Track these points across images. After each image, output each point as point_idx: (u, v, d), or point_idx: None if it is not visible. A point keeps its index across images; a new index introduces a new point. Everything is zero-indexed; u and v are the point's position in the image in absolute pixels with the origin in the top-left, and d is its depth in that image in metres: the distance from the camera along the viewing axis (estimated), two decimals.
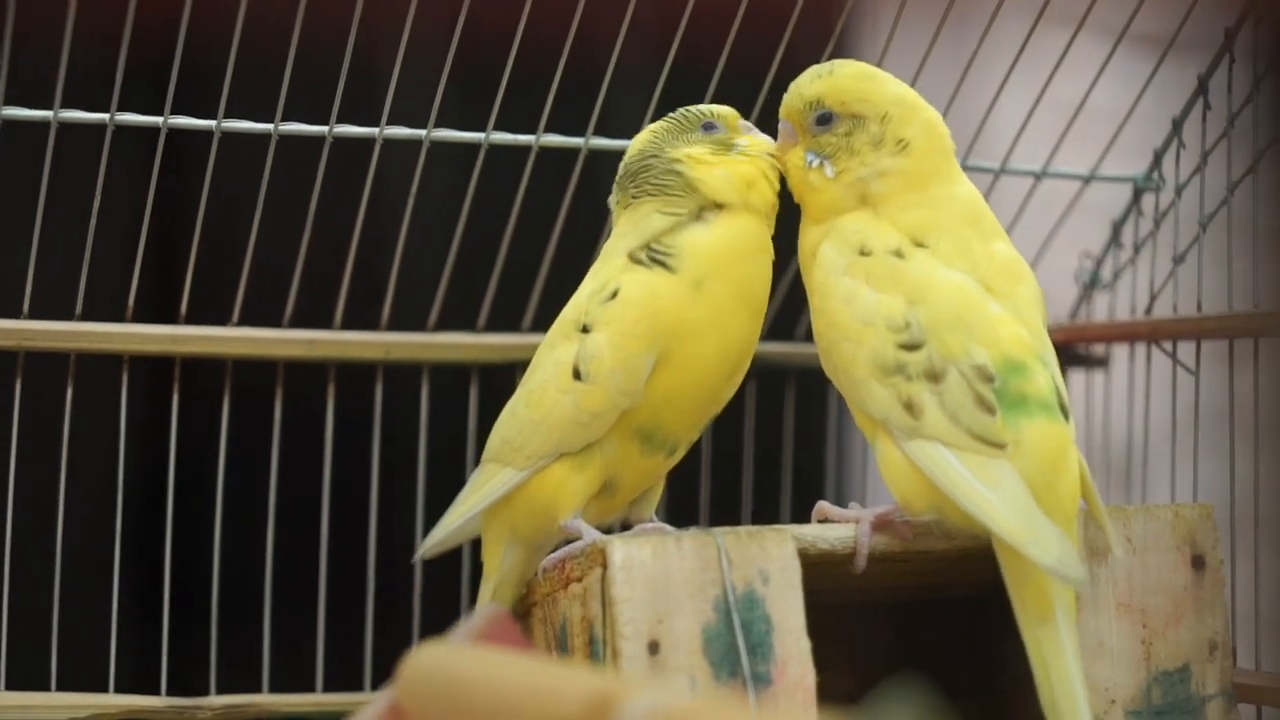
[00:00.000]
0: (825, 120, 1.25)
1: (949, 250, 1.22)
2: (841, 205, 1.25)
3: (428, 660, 1.09)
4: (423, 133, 1.40)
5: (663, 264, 1.26)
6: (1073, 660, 1.16)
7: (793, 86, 1.26)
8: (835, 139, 1.25)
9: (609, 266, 1.29)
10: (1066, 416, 1.20)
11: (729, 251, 1.27)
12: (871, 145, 1.24)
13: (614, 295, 1.26)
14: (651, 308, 1.25)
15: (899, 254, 1.22)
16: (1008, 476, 1.17)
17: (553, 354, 1.29)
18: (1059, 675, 1.16)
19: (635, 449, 1.27)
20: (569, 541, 1.25)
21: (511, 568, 1.31)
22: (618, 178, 1.32)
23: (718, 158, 1.29)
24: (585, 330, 1.27)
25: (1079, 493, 1.20)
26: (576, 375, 1.26)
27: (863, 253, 1.22)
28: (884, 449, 1.21)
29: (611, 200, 1.33)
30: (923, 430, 1.18)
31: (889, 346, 1.20)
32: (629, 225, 1.30)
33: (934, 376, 1.19)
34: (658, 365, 1.25)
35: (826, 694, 1.18)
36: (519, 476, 1.28)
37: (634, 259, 1.27)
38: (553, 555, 1.25)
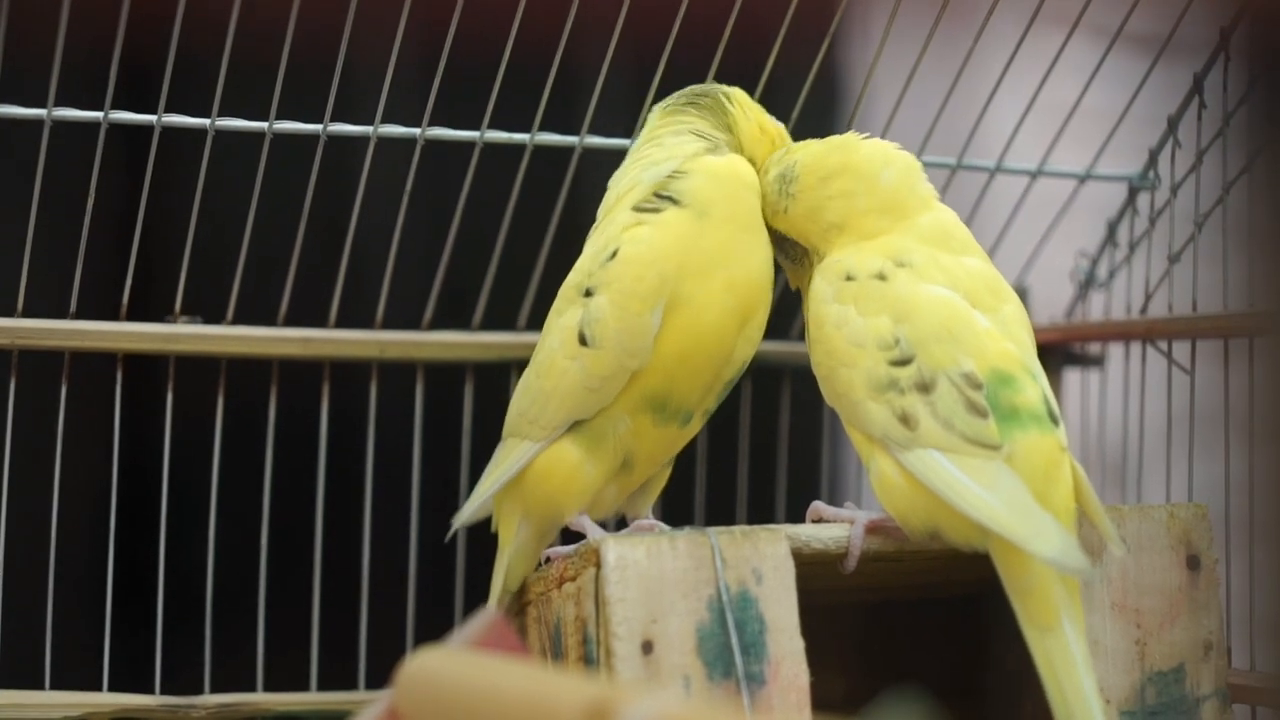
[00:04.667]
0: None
1: (927, 267, 1.23)
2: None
3: (425, 666, 1.09)
4: (416, 131, 1.40)
5: (671, 199, 1.27)
6: (1084, 670, 1.16)
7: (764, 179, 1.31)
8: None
9: (612, 223, 1.29)
10: (1057, 424, 1.21)
11: (733, 179, 1.29)
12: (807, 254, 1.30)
13: (614, 255, 1.26)
14: (652, 261, 1.25)
15: (882, 276, 1.23)
16: (1005, 477, 1.17)
17: (559, 321, 1.29)
18: (1071, 686, 1.16)
19: (648, 420, 1.27)
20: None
21: (525, 542, 1.31)
22: (670, 99, 1.35)
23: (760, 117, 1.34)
24: (589, 294, 1.27)
25: (1074, 501, 1.20)
26: (583, 340, 1.26)
27: (848, 278, 1.24)
28: (880, 468, 1.21)
29: (654, 115, 1.35)
30: (919, 440, 1.19)
31: (880, 365, 1.21)
32: (662, 134, 1.32)
33: (924, 388, 1.20)
34: (665, 320, 1.25)
35: (820, 694, 1.18)
36: (536, 448, 1.28)
37: (640, 209, 1.27)
38: (559, 549, 1.25)
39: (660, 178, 1.28)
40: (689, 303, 1.25)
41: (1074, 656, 1.16)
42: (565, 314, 1.29)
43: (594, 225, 1.33)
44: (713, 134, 1.31)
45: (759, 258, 1.28)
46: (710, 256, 1.26)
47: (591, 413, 1.27)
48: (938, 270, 1.24)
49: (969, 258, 1.26)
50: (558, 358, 1.28)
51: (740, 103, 1.33)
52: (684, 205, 1.27)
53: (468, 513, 1.33)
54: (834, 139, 1.31)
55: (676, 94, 1.35)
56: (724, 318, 1.26)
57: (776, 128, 1.34)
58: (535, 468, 1.28)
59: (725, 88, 1.34)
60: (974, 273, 1.25)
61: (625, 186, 1.30)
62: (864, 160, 1.28)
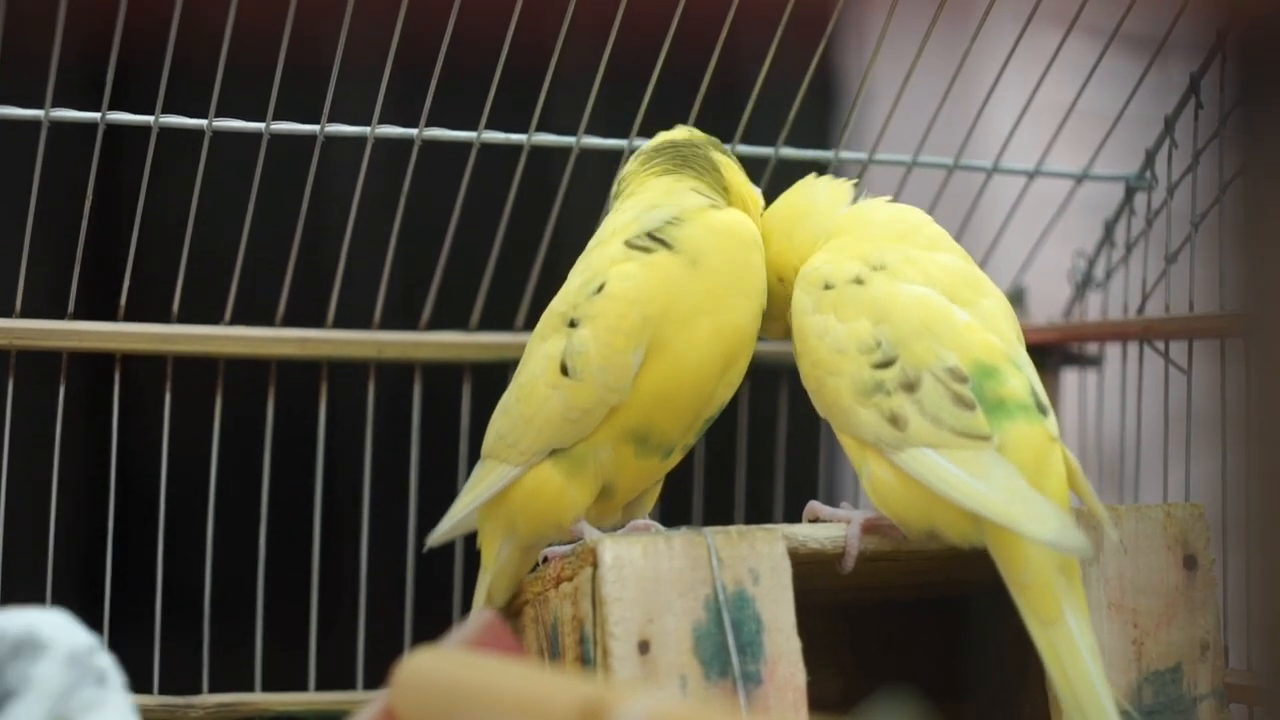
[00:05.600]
0: None
1: (902, 266, 1.24)
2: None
3: (422, 666, 1.09)
4: (414, 132, 1.40)
5: (664, 243, 1.26)
6: (1090, 659, 1.16)
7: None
8: None
9: (601, 255, 1.28)
10: (1045, 414, 1.21)
11: (731, 233, 1.28)
12: None
13: (600, 289, 1.26)
14: (637, 300, 1.25)
15: (859, 280, 1.24)
16: (997, 465, 1.18)
17: (542, 347, 1.29)
18: (1078, 676, 1.15)
19: (629, 452, 1.27)
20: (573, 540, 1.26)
21: (507, 561, 1.31)
22: (652, 149, 1.32)
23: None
24: (573, 325, 1.27)
25: (1067, 488, 1.20)
26: (564, 371, 1.26)
27: (827, 287, 1.24)
28: (873, 471, 1.21)
29: (633, 167, 1.32)
30: (910, 440, 1.19)
31: (864, 369, 1.21)
32: (659, 191, 1.29)
33: (910, 386, 1.20)
34: (647, 359, 1.25)
35: (817, 693, 1.19)
36: (515, 472, 1.29)
37: (632, 245, 1.27)
38: (558, 548, 1.25)
39: (659, 222, 1.28)
40: (671, 346, 1.25)
41: (1079, 647, 1.16)
42: (549, 341, 1.29)
43: (583, 253, 1.32)
44: (712, 195, 1.30)
45: (747, 308, 1.28)
46: (697, 303, 1.25)
47: (570, 442, 1.27)
48: (913, 269, 1.24)
49: (944, 254, 1.26)
50: (539, 385, 1.28)
51: (728, 167, 1.32)
52: (676, 250, 1.26)
53: (442, 531, 1.34)
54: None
55: (658, 147, 1.32)
56: (706, 363, 1.26)
57: (754, 193, 1.34)
58: (522, 489, 1.28)
59: (710, 147, 1.32)
60: (950, 269, 1.25)
61: (622, 223, 1.30)
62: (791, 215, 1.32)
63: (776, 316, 1.31)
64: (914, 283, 1.23)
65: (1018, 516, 1.16)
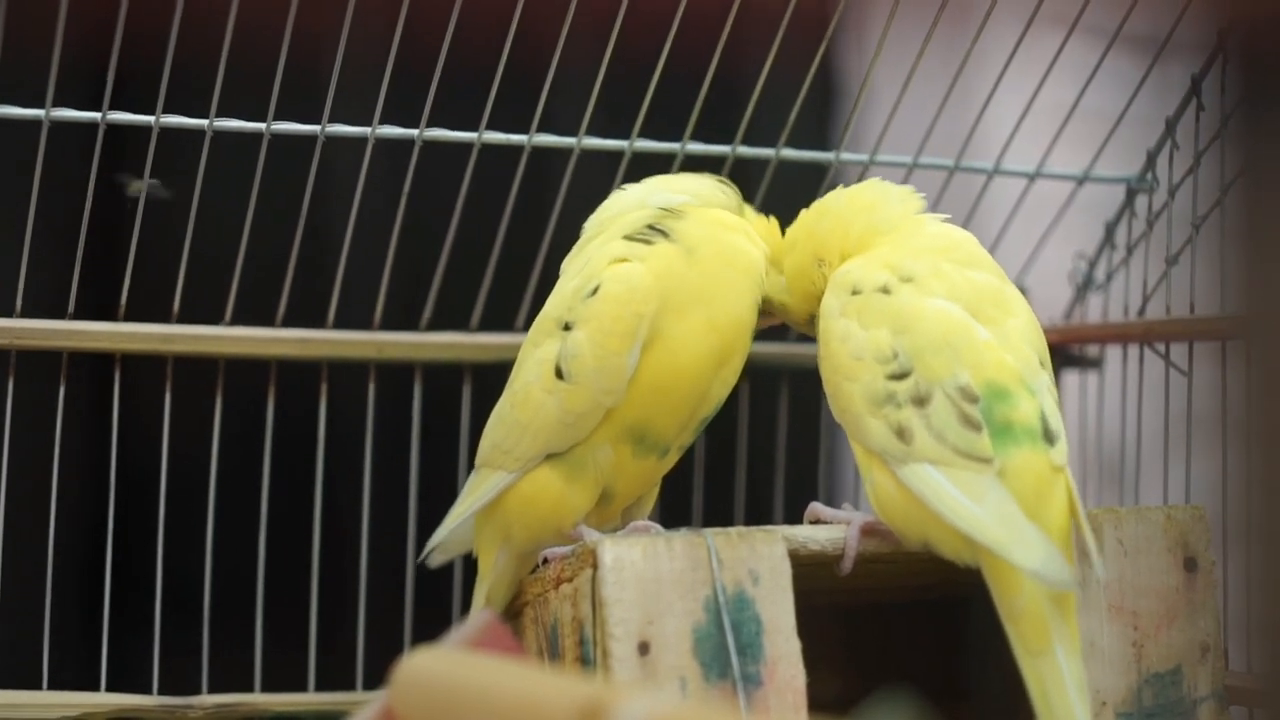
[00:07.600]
0: None
1: (929, 279, 1.23)
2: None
3: (421, 666, 1.09)
4: (415, 133, 1.40)
5: (664, 233, 1.27)
6: (1076, 696, 1.15)
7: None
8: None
9: (600, 254, 1.28)
10: (1053, 442, 1.20)
11: (723, 224, 1.29)
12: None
13: (595, 291, 1.26)
14: (631, 301, 1.25)
15: (886, 290, 1.23)
16: (993, 490, 1.17)
17: (536, 353, 1.29)
18: (1064, 713, 1.15)
19: (627, 452, 1.27)
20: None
21: (505, 569, 1.31)
22: None
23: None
24: (567, 328, 1.27)
25: (1067, 519, 1.20)
26: (559, 375, 1.26)
27: (854, 292, 1.24)
28: (877, 481, 1.21)
29: None
30: (913, 454, 1.19)
31: (879, 379, 1.21)
32: (677, 179, 1.33)
33: (920, 401, 1.20)
34: (644, 354, 1.25)
35: (816, 695, 1.18)
36: (510, 479, 1.29)
37: (632, 238, 1.27)
38: (558, 549, 1.25)
39: (662, 205, 1.28)
40: (667, 338, 1.26)
41: (1065, 682, 1.15)
42: (543, 346, 1.29)
43: (582, 238, 1.32)
44: (730, 193, 1.32)
45: (743, 300, 1.28)
46: (693, 293, 1.26)
47: (566, 446, 1.27)
48: (940, 282, 1.23)
49: (977, 271, 1.25)
50: (534, 390, 1.28)
51: (747, 206, 1.35)
52: (674, 241, 1.27)
53: (437, 541, 1.35)
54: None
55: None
56: (702, 355, 1.26)
57: (769, 220, 1.35)
58: (520, 495, 1.29)
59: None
60: (978, 285, 1.24)
61: (631, 203, 1.30)
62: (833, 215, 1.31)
63: (802, 298, 1.31)
64: (938, 296, 1.23)
65: (1005, 542, 1.15)
